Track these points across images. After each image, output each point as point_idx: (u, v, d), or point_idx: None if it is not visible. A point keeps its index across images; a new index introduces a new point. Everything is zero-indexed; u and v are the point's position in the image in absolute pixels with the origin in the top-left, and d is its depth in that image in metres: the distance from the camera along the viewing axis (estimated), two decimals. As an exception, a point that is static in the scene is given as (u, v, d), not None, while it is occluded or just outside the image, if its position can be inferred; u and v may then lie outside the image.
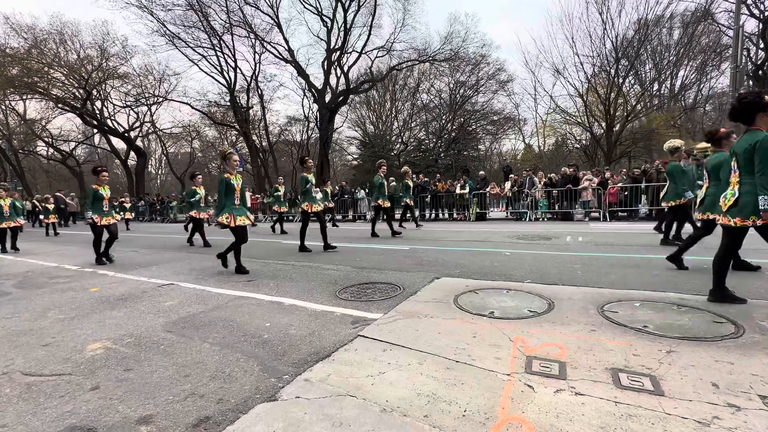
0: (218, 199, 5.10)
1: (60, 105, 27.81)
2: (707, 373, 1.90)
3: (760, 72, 20.61)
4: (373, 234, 8.91)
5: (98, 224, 6.26)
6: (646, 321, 2.65)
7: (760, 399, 1.66)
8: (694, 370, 1.94)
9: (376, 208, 8.98)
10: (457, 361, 2.17)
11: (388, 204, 8.96)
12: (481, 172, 15.90)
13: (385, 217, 9.18)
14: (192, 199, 8.59)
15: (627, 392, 1.76)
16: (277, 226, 12.00)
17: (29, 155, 34.84)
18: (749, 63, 20.27)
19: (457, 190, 14.31)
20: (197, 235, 8.80)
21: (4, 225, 8.70)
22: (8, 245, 9.04)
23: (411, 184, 10.96)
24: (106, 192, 6.34)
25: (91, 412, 1.82)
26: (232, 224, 4.99)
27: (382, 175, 8.82)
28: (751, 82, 20.70)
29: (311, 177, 6.79)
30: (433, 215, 15.33)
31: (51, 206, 13.75)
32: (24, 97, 28.28)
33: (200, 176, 9.09)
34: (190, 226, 9.14)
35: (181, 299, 3.91)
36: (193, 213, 8.61)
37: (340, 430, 1.58)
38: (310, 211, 6.68)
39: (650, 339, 2.35)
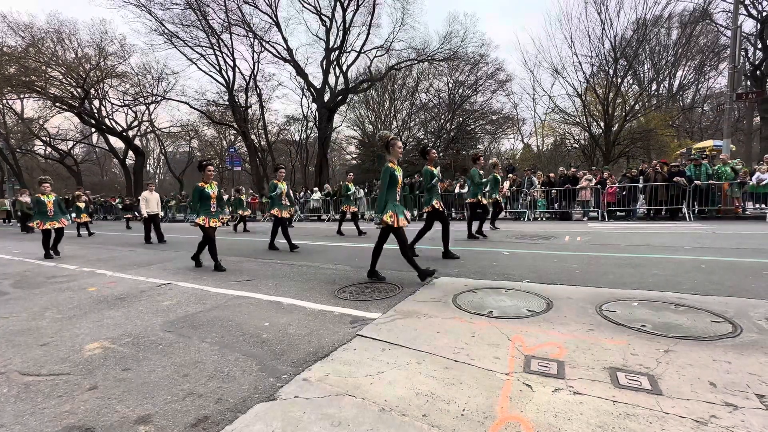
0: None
1: (58, 104, 27.72)
2: (705, 373, 1.91)
3: (758, 72, 20.68)
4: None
5: (207, 226, 5.38)
6: (644, 320, 2.66)
7: (758, 398, 1.67)
8: (692, 370, 1.94)
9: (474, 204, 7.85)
10: (455, 361, 2.17)
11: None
12: (480, 171, 15.87)
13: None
14: (273, 194, 7.33)
15: (625, 391, 1.77)
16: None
17: (27, 154, 34.73)
18: (747, 63, 20.35)
19: (456, 190, 14.32)
20: (255, 238, 8.51)
21: (48, 225, 7.30)
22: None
23: (500, 177, 9.11)
24: (213, 189, 5.51)
25: (89, 412, 1.82)
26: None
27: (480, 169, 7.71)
28: (748, 83, 20.78)
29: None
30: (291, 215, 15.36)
31: (83, 204, 12.42)
32: (21, 96, 28.19)
33: (283, 169, 7.76)
34: (249, 224, 8.55)
35: (179, 299, 3.90)
36: (274, 211, 7.32)
37: (338, 429, 1.58)
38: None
39: (648, 338, 2.35)
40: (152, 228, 9.88)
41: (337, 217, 11.35)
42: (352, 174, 10.96)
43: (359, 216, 14.19)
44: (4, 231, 16.46)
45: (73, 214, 12.36)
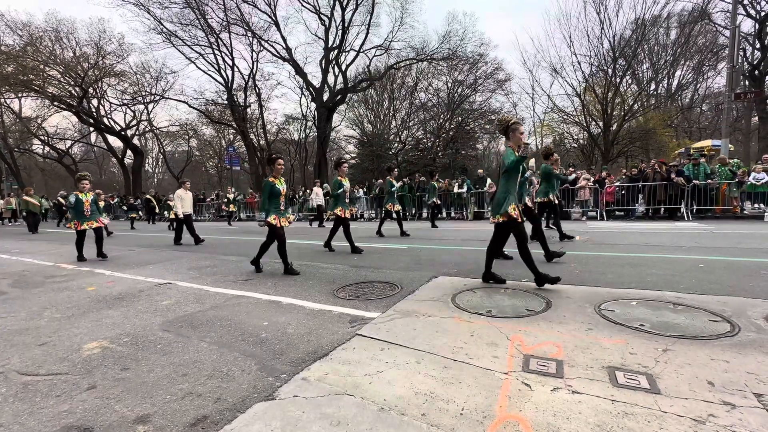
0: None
1: (56, 103, 27.65)
2: (703, 372, 1.92)
3: (756, 72, 20.72)
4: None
5: (278, 226, 4.88)
6: (642, 320, 2.66)
7: (755, 397, 1.68)
8: (690, 369, 1.95)
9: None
10: (454, 360, 2.18)
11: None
12: (480, 171, 15.92)
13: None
14: (338, 191, 6.71)
15: (623, 390, 1.77)
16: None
17: (25, 153, 34.62)
18: (745, 63, 20.39)
19: (455, 189, 14.33)
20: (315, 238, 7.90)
21: (85, 226, 6.72)
22: (84, 250, 6.87)
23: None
24: (283, 186, 4.98)
25: (87, 412, 1.81)
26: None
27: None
28: (747, 82, 20.82)
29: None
30: (430, 214, 15.34)
31: (102, 203, 12.00)
32: (19, 95, 28.09)
33: (346, 165, 7.10)
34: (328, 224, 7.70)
35: (178, 298, 3.89)
36: (338, 211, 6.64)
37: (338, 429, 1.58)
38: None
39: (646, 337, 2.36)
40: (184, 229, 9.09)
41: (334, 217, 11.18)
42: (396, 170, 10.10)
43: (358, 216, 14.12)
44: (7, 231, 16.40)
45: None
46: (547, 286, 3.64)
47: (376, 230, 9.29)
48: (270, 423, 1.65)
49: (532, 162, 5.02)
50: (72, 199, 6.65)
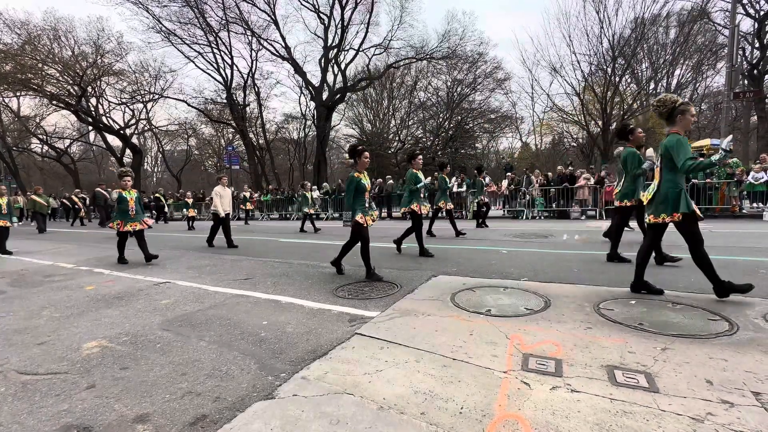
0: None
1: (54, 102, 27.54)
2: (701, 370, 1.92)
3: (755, 71, 20.73)
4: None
5: (365, 226, 4.43)
6: (641, 318, 2.67)
7: (754, 395, 1.68)
8: (689, 367, 1.95)
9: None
10: (454, 359, 2.18)
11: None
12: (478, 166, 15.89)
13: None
14: (420, 185, 6.07)
15: (622, 389, 1.77)
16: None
17: (23, 152, 34.52)
18: (744, 62, 20.39)
19: (454, 189, 14.32)
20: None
21: (128, 227, 6.07)
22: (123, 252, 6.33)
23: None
24: (367, 181, 4.56)
25: (87, 411, 1.81)
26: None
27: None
28: (746, 82, 20.84)
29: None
30: (430, 213, 15.36)
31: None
32: (18, 94, 27.98)
33: (420, 157, 6.44)
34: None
35: (177, 297, 3.89)
36: (414, 206, 5.98)
37: (337, 427, 1.58)
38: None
39: (645, 336, 2.37)
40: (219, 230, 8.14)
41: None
42: (448, 167, 9.39)
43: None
44: (13, 231, 16.34)
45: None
46: (546, 284, 3.64)
47: (426, 229, 8.60)
48: (269, 422, 1.65)
49: (650, 151, 4.68)
50: (115, 196, 6.25)
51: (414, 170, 6.17)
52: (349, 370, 2.11)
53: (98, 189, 17.06)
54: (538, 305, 3.08)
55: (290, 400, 1.82)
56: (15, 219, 8.70)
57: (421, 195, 6.16)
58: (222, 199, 7.89)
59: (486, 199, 10.58)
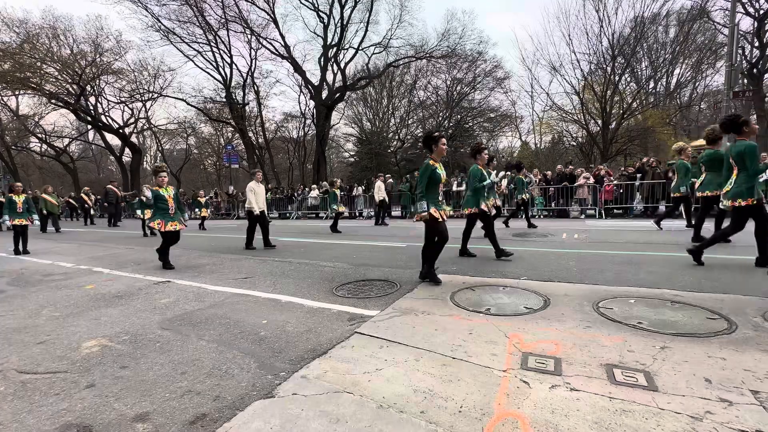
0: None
1: (53, 101, 27.46)
2: (700, 369, 1.93)
3: (755, 70, 20.73)
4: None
5: (440, 220, 3.94)
6: (640, 317, 2.67)
7: (752, 394, 1.68)
8: (688, 366, 1.96)
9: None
10: (453, 358, 2.18)
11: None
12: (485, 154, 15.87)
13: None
14: (486, 182, 5.44)
15: (621, 388, 1.78)
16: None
17: (22, 151, 34.44)
18: (744, 61, 20.38)
19: (454, 187, 14.32)
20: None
21: (170, 227, 5.50)
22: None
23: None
24: (442, 172, 4.06)
25: (86, 410, 1.81)
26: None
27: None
28: (745, 81, 20.84)
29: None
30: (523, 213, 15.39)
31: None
32: (16, 93, 27.90)
33: (487, 151, 5.71)
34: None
35: (177, 296, 3.89)
36: (482, 206, 5.39)
37: (336, 426, 1.59)
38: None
39: (644, 335, 2.37)
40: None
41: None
42: (524, 168, 9.07)
43: (358, 213, 13.84)
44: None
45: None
46: (545, 283, 3.64)
47: (503, 220, 9.90)
48: (269, 421, 1.65)
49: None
50: (149, 194, 5.61)
51: (479, 166, 5.46)
52: (349, 368, 2.11)
53: (110, 186, 16.47)
54: (537, 304, 3.08)
55: (290, 399, 1.82)
56: (35, 215, 8.37)
57: (485, 193, 5.53)
58: (256, 195, 7.33)
59: (526, 197, 9.78)
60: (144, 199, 10.96)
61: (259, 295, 3.79)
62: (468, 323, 2.72)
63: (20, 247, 7.79)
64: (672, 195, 7.54)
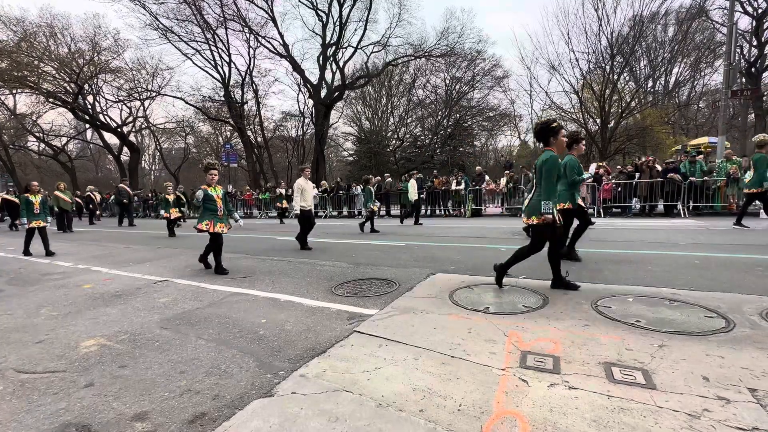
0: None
1: (51, 99, 27.34)
2: (698, 367, 1.93)
3: (753, 69, 20.77)
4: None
5: (558, 224, 3.47)
6: (638, 316, 2.68)
7: (750, 392, 1.69)
8: (686, 364, 1.97)
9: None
10: (452, 356, 2.19)
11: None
12: (478, 168, 15.93)
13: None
14: (584, 177, 4.72)
15: (619, 386, 1.78)
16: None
17: (20, 150, 34.32)
18: (742, 60, 20.41)
19: (453, 187, 14.33)
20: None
21: (218, 228, 5.11)
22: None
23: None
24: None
25: (85, 409, 1.81)
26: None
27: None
28: (744, 79, 20.87)
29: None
30: (429, 211, 15.42)
31: (171, 196, 11.12)
32: (14, 91, 27.79)
33: (584, 141, 4.99)
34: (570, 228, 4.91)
35: (175, 296, 3.89)
36: (579, 201, 4.84)
37: (336, 425, 1.59)
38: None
39: (643, 333, 2.38)
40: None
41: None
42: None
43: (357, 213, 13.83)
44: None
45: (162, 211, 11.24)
46: (544, 282, 3.64)
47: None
48: (268, 420, 1.65)
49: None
50: (200, 194, 5.19)
51: (575, 157, 4.76)
52: (348, 367, 2.11)
53: (121, 185, 15.88)
54: (536, 303, 3.09)
55: (289, 398, 1.82)
56: (49, 217, 8.10)
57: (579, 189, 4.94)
58: (304, 193, 6.89)
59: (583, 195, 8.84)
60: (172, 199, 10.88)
61: (258, 294, 3.79)
62: (467, 322, 2.72)
63: (35, 248, 7.32)
64: (746, 191, 7.30)
